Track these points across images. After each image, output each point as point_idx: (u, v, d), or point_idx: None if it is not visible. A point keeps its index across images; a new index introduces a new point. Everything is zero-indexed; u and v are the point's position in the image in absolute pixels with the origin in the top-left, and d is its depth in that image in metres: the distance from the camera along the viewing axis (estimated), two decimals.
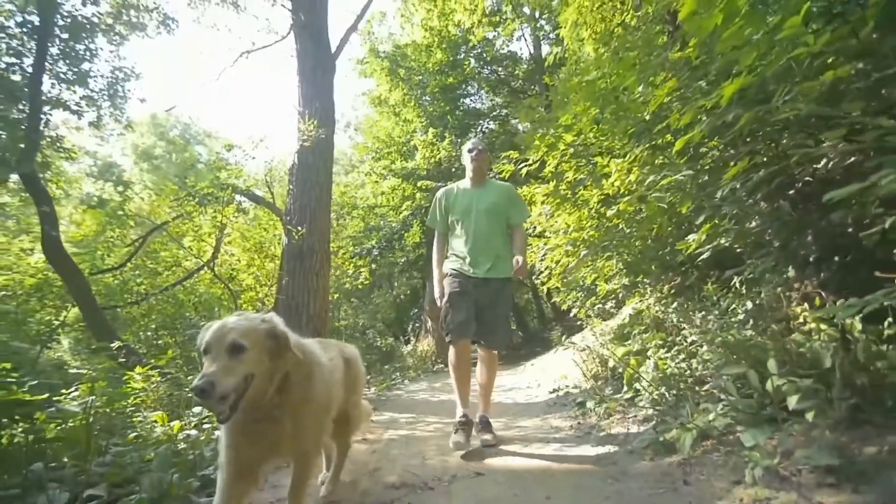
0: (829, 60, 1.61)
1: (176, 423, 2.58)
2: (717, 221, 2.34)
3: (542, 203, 4.81)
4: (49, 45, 5.31)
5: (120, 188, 7.74)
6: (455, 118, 13.21)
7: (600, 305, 5.41)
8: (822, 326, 1.71)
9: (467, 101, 14.26)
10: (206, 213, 5.57)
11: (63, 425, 2.27)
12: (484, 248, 2.77)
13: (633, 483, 1.74)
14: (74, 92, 5.42)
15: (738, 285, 2.47)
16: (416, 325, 13.53)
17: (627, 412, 2.70)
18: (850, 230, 1.73)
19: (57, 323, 5.76)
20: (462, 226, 2.84)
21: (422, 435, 3.04)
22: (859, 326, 1.61)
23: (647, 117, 2.72)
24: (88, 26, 5.41)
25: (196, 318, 5.70)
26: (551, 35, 13.26)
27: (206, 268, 6.16)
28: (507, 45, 14.76)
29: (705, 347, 2.34)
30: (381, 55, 13.19)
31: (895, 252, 1.45)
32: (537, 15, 13.45)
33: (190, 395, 2.39)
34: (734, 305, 2.42)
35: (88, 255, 5.94)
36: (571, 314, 6.95)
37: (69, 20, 5.50)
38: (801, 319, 1.82)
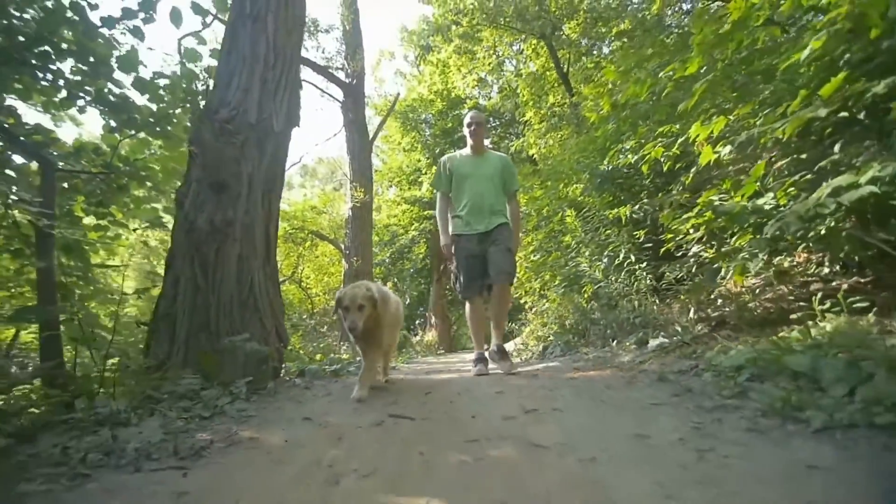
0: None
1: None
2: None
3: None
4: None
5: None
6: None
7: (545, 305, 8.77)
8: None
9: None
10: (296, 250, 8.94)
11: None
12: (484, 206, 3.15)
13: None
14: None
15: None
16: (422, 321, 16.70)
17: (526, 354, 6.07)
18: None
19: None
20: (464, 189, 3.19)
21: (436, 368, 6.43)
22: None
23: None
24: None
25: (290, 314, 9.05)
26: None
27: (290, 280, 9.53)
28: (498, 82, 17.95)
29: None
30: (394, 111, 16.38)
31: None
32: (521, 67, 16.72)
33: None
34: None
35: None
36: (533, 310, 10.34)
37: None
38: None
